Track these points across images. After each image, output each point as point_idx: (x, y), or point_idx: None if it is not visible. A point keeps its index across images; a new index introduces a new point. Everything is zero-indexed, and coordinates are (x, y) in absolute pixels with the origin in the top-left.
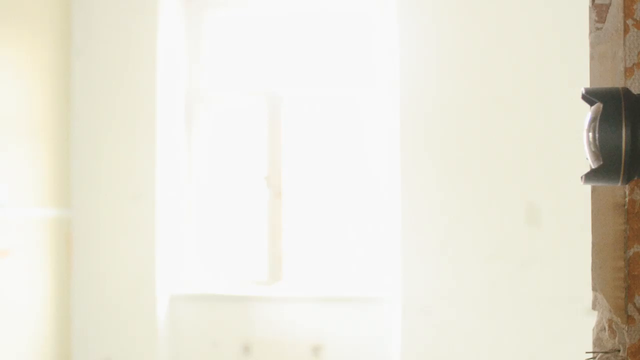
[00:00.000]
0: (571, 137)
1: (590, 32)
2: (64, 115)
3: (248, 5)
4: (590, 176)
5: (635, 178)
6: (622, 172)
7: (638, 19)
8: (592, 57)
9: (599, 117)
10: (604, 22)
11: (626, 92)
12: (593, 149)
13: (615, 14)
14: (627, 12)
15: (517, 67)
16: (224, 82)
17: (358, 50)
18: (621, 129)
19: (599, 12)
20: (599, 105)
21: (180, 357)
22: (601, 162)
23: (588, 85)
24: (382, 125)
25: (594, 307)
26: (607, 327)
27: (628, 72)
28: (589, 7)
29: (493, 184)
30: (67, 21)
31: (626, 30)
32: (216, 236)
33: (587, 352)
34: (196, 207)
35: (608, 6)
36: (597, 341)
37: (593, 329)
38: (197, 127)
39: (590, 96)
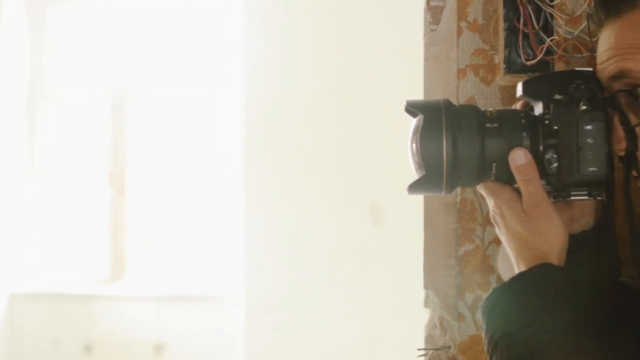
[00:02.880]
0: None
1: (425, 34)
2: None
3: (94, 0)
4: (414, 187)
5: (458, 187)
6: (444, 182)
7: (471, 21)
8: (426, 58)
9: (420, 129)
10: (438, 24)
11: (447, 103)
12: (417, 160)
13: (449, 16)
14: (461, 14)
15: (357, 68)
16: (69, 78)
17: (207, 48)
18: (442, 141)
19: (434, 13)
20: (420, 117)
21: (19, 357)
22: (424, 173)
23: (422, 87)
24: (228, 124)
25: (426, 305)
26: (438, 325)
27: (461, 73)
28: (424, 9)
29: (337, 184)
30: None
31: (459, 32)
32: (58, 234)
33: (419, 349)
34: (39, 204)
35: (442, 8)
36: (429, 338)
37: (425, 327)
38: (40, 124)
39: (412, 108)
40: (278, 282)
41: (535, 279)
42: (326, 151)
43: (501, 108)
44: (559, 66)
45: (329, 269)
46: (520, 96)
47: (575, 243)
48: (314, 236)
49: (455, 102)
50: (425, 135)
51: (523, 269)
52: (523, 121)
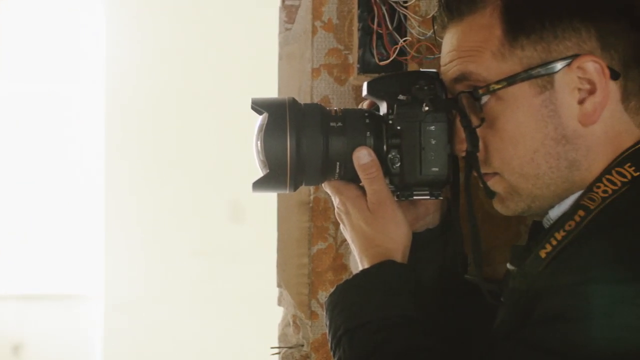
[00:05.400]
0: None
1: (280, 33)
2: None
3: None
4: (258, 184)
5: (303, 185)
6: (288, 180)
7: (326, 20)
8: (280, 57)
9: (264, 127)
10: (293, 23)
11: (292, 102)
12: (261, 158)
13: (304, 15)
14: (316, 14)
15: (215, 66)
16: None
17: (66, 45)
18: (286, 139)
19: (289, 12)
20: (265, 116)
21: None
22: (268, 171)
23: (277, 85)
24: (88, 122)
25: (279, 304)
26: (291, 323)
27: (315, 72)
28: (279, 8)
29: (198, 182)
30: None
31: (314, 31)
32: None
33: (272, 347)
34: None
35: (297, 7)
36: (283, 337)
37: (278, 325)
38: None
39: (257, 106)
40: (138, 281)
41: (378, 276)
42: (186, 149)
43: (347, 107)
44: (412, 67)
45: (188, 268)
46: (366, 96)
47: (420, 241)
48: (174, 234)
49: (310, 101)
50: (269, 134)
51: (366, 265)
52: (367, 121)
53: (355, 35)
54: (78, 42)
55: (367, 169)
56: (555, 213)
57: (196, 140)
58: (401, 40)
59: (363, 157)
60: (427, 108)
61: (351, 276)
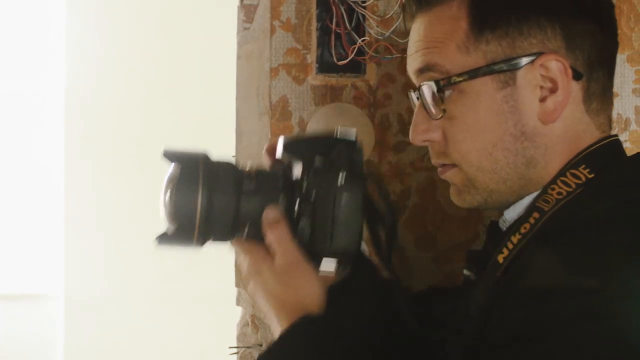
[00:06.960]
0: (227, 135)
1: (238, 32)
2: None
3: None
4: (163, 239)
5: (211, 239)
6: (195, 236)
7: (284, 20)
8: (239, 57)
9: (176, 181)
10: (251, 22)
11: (205, 158)
12: (170, 210)
13: (263, 14)
14: (274, 13)
15: (173, 65)
16: None
17: (26, 41)
18: (197, 195)
19: (247, 12)
20: (177, 167)
21: None
22: (175, 226)
23: (235, 84)
24: (48, 119)
25: (238, 303)
26: (250, 322)
27: (273, 72)
28: (238, 7)
29: (157, 182)
30: None
31: (273, 31)
32: None
33: (230, 347)
34: None
35: (256, 7)
36: (241, 336)
37: (237, 324)
38: None
39: (169, 158)
40: (98, 280)
41: (297, 339)
42: (145, 147)
43: (261, 167)
44: (371, 66)
45: (148, 267)
46: (282, 154)
47: (337, 291)
48: (134, 233)
49: (268, 101)
50: (181, 188)
51: (284, 325)
52: (281, 183)
53: (314, 35)
54: (38, 39)
55: (274, 230)
56: (510, 215)
57: (155, 139)
58: (359, 40)
59: (272, 218)
60: (342, 177)
61: (271, 344)
